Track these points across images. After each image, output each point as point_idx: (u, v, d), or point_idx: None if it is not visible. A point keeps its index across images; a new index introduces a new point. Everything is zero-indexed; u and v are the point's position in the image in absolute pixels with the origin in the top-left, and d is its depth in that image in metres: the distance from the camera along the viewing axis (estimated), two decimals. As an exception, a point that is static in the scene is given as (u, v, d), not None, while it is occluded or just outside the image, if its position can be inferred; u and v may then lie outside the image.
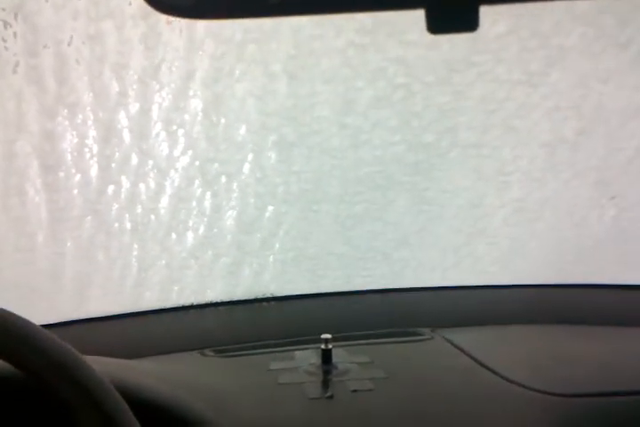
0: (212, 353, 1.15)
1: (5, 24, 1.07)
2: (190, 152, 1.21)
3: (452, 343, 1.14)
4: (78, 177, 1.20)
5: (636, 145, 1.31)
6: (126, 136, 1.19)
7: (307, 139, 1.25)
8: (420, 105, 1.25)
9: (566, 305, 1.32)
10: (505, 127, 1.29)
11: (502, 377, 0.99)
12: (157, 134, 1.20)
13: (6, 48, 1.09)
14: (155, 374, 0.94)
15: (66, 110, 1.15)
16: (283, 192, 1.28)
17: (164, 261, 1.28)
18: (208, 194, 1.26)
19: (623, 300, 1.33)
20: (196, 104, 1.19)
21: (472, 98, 1.26)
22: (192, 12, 0.62)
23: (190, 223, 1.27)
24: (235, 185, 1.25)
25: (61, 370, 0.63)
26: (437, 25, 0.56)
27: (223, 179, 1.25)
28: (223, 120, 1.21)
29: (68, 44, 1.11)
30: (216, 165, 1.23)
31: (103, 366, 0.68)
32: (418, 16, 0.55)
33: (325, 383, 0.99)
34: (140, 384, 0.84)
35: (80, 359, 0.65)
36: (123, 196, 1.22)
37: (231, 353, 1.14)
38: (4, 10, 1.06)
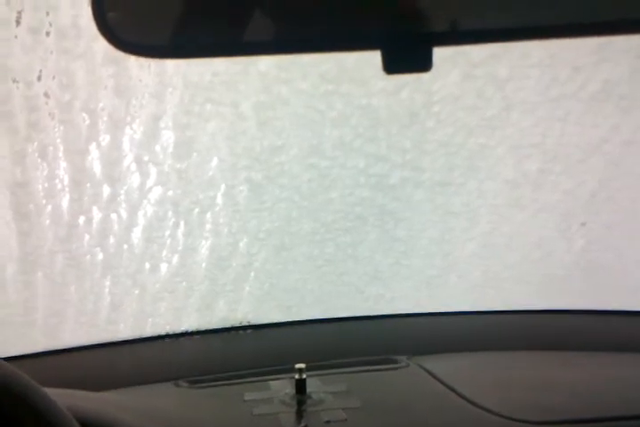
0: (185, 384, 1.14)
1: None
2: (162, 185, 1.23)
3: (427, 371, 1.15)
4: (49, 208, 1.20)
5: (598, 178, 1.36)
6: (97, 168, 1.20)
7: (276, 178, 1.28)
8: (384, 148, 1.29)
9: (540, 331, 1.33)
10: (468, 166, 1.33)
11: (475, 405, 1.00)
12: (128, 167, 1.21)
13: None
14: (122, 406, 0.93)
15: (36, 143, 1.16)
16: (255, 228, 1.30)
17: (137, 292, 1.28)
18: (181, 226, 1.27)
19: (596, 325, 1.35)
20: (167, 139, 1.20)
21: (434, 141, 1.30)
22: (160, 52, 0.65)
23: (164, 254, 1.27)
24: (207, 218, 1.27)
25: (24, 404, 0.63)
26: (392, 65, 0.59)
27: (195, 212, 1.26)
28: (195, 154, 1.23)
29: (38, 79, 1.12)
30: (188, 198, 1.25)
31: (67, 399, 0.67)
32: (378, 64, 0.59)
33: (299, 414, 0.99)
34: (103, 415, 0.83)
35: (42, 393, 0.65)
36: (94, 227, 1.22)
37: (205, 384, 1.13)
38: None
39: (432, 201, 1.37)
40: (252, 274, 1.32)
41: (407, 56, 0.60)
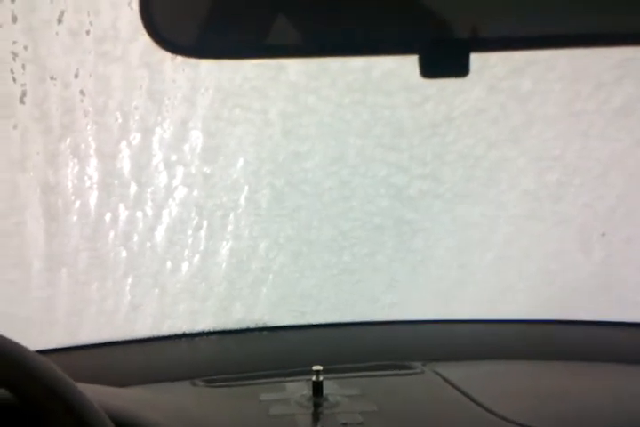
0: (202, 383, 1.14)
1: (14, 56, 1.13)
2: (188, 185, 1.24)
3: (443, 377, 1.14)
4: (77, 204, 1.22)
5: (616, 193, 1.36)
6: (126, 166, 1.22)
7: (299, 185, 1.29)
8: (405, 159, 1.30)
9: (557, 341, 1.33)
10: (488, 178, 1.34)
11: (491, 412, 0.99)
12: (156, 166, 1.23)
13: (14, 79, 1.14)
14: (145, 403, 0.93)
15: (68, 139, 1.18)
16: (275, 232, 1.31)
17: (157, 291, 1.29)
18: (204, 227, 1.28)
19: (614, 337, 1.34)
20: (195, 140, 1.22)
21: (454, 152, 1.31)
22: (195, 51, 0.66)
23: (185, 255, 1.28)
24: (230, 220, 1.28)
25: (55, 396, 0.63)
26: (430, 70, 0.61)
27: (218, 213, 1.27)
28: (221, 158, 1.24)
29: (75, 77, 1.15)
30: (211, 200, 1.26)
31: (94, 394, 0.67)
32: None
33: (316, 416, 0.98)
34: (129, 412, 0.83)
35: (73, 386, 0.65)
36: (119, 224, 1.24)
37: (222, 383, 1.13)
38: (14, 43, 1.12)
39: (450, 212, 1.37)
40: (270, 278, 1.33)
41: (445, 61, 0.61)
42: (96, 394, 0.69)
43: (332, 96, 1.21)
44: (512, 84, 1.24)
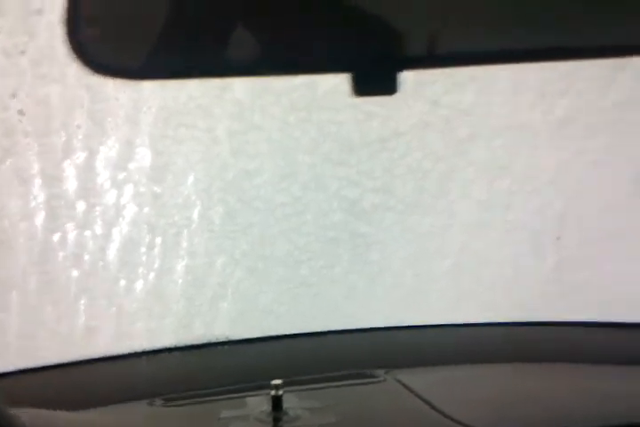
0: (160, 402, 1.10)
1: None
2: (138, 204, 1.24)
3: (404, 385, 1.13)
4: (23, 226, 1.20)
5: (566, 198, 1.39)
6: (71, 186, 1.21)
7: (251, 201, 1.30)
8: (354, 174, 1.32)
9: (515, 343, 1.32)
10: (438, 189, 1.37)
11: (451, 419, 0.98)
12: (102, 184, 1.22)
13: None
14: (98, 426, 0.93)
15: (9, 160, 1.17)
16: (230, 248, 1.31)
17: (113, 310, 1.28)
18: (157, 244, 1.27)
19: (575, 337, 1.35)
20: (142, 159, 1.22)
21: (403, 165, 1.33)
22: (136, 73, 0.66)
23: (140, 272, 1.27)
24: (183, 237, 1.28)
25: None
26: (361, 88, 0.61)
27: (171, 231, 1.27)
28: (170, 176, 1.25)
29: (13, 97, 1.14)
30: (163, 218, 1.26)
31: (37, 419, 0.66)
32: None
33: None
34: None
35: (6, 415, 0.63)
36: (69, 244, 1.23)
37: (180, 402, 1.10)
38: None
39: (403, 223, 1.39)
40: (228, 294, 1.33)
41: (376, 79, 0.62)
42: (38, 419, 0.67)
43: (277, 113, 1.22)
44: (455, 98, 1.26)
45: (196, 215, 1.27)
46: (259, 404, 1.04)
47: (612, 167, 1.35)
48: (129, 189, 1.23)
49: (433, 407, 1.04)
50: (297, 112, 1.23)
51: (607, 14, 0.64)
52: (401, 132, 1.30)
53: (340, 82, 1.17)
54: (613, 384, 1.13)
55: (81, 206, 1.22)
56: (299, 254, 1.36)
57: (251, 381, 1.14)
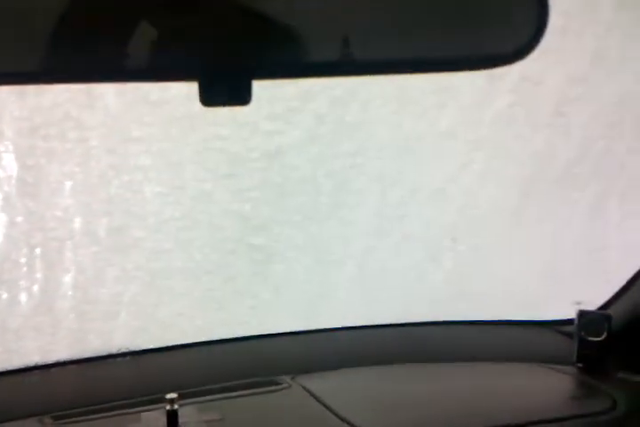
0: (50, 420, 1.04)
1: None
2: (8, 209, 1.19)
3: (308, 391, 1.12)
4: None
5: (456, 207, 1.45)
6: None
7: (138, 215, 1.26)
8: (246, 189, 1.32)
9: (421, 343, 1.33)
10: (333, 201, 1.38)
11: (348, 423, 1.00)
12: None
13: None
14: None
15: None
16: (121, 261, 1.27)
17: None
18: (37, 257, 1.23)
19: (473, 335, 1.36)
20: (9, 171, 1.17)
21: (294, 178, 1.34)
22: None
23: (22, 283, 1.22)
24: (67, 250, 1.23)
25: None
26: (209, 98, 0.58)
27: (54, 245, 1.23)
28: (43, 186, 1.20)
29: None
30: (43, 231, 1.21)
31: None
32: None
33: None
34: None
35: None
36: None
37: (72, 419, 1.04)
38: None
39: (301, 234, 1.39)
40: (124, 307, 1.29)
41: (225, 88, 0.59)
42: None
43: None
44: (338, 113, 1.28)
45: (78, 228, 1.24)
46: (154, 419, 1.00)
47: (499, 176, 1.41)
48: None
49: (332, 412, 1.04)
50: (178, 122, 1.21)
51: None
52: (285, 149, 1.31)
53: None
54: (507, 382, 1.16)
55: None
56: (197, 267, 1.35)
57: (150, 394, 1.08)
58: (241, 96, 0.60)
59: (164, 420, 0.98)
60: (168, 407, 0.98)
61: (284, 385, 1.15)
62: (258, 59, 0.60)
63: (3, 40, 0.56)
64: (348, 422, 1.01)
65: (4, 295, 1.21)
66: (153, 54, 0.58)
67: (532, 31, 0.61)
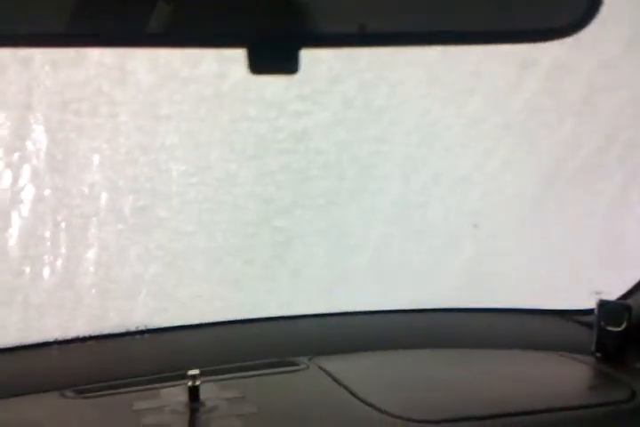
0: (72, 394, 1.05)
1: None
2: (37, 183, 1.17)
3: (327, 372, 1.12)
4: None
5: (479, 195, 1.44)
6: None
7: (163, 195, 1.25)
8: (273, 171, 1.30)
9: (439, 329, 1.33)
10: (356, 186, 1.37)
11: (371, 406, 0.99)
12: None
13: None
14: (3, 418, 0.87)
15: None
16: (144, 241, 1.27)
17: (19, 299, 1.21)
18: (62, 232, 1.22)
19: (491, 322, 1.36)
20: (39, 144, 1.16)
21: (318, 162, 1.33)
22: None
23: (46, 258, 1.21)
24: (92, 223, 1.22)
25: None
26: (258, 65, 0.57)
27: (79, 222, 1.22)
28: (72, 161, 1.19)
29: None
30: (69, 208, 1.20)
31: None
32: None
33: (191, 423, 0.94)
34: None
35: None
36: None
37: (93, 393, 1.05)
38: None
39: (323, 219, 1.38)
40: (145, 286, 1.29)
41: (273, 56, 0.58)
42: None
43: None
44: (367, 96, 1.27)
45: (104, 205, 1.22)
46: (175, 395, 1.01)
47: (523, 164, 1.39)
48: (26, 172, 1.17)
49: (352, 393, 1.04)
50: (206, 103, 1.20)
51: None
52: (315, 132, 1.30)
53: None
54: (525, 369, 1.16)
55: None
56: (218, 249, 1.34)
57: (169, 371, 1.09)
58: (289, 64, 0.59)
59: (185, 396, 0.99)
60: (190, 383, 0.99)
61: (302, 366, 1.16)
62: (307, 27, 0.59)
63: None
64: (366, 402, 1.01)
65: (28, 269, 1.20)
66: (203, 20, 0.57)
67: (587, 4, 0.59)
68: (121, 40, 0.58)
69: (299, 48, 0.58)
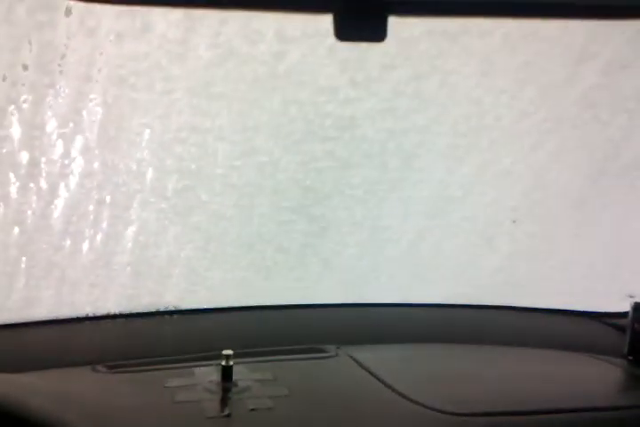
0: (104, 369, 1.06)
1: None
2: (87, 157, 1.15)
3: (356, 360, 1.12)
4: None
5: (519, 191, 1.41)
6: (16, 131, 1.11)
7: (207, 178, 1.24)
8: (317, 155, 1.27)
9: (469, 325, 1.33)
10: (396, 177, 1.34)
11: (401, 395, 0.99)
12: (51, 133, 1.12)
13: None
14: (35, 389, 0.87)
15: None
16: (182, 221, 1.25)
17: (55, 274, 1.20)
18: (106, 204, 1.20)
19: (523, 321, 1.36)
20: (94, 114, 1.13)
21: (362, 149, 1.29)
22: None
23: (86, 233, 1.20)
24: (135, 200, 1.21)
25: None
26: (345, 32, 0.56)
27: (122, 191, 1.20)
28: (123, 136, 1.17)
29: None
30: (112, 185, 1.18)
31: None
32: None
33: (224, 402, 0.95)
34: (12, 398, 0.78)
35: None
36: (12, 200, 1.14)
37: (126, 369, 1.06)
38: None
39: (360, 209, 1.35)
40: (178, 268, 1.27)
41: (360, 22, 0.56)
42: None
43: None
44: (418, 85, 1.23)
45: (148, 183, 1.20)
46: (207, 374, 1.02)
47: (570, 160, 1.37)
48: (78, 144, 1.15)
49: (383, 383, 1.04)
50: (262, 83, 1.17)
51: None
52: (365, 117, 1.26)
53: (308, 52, 1.15)
54: (556, 369, 1.15)
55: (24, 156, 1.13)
56: (252, 235, 1.32)
57: (199, 351, 1.10)
58: (376, 32, 0.58)
59: (217, 375, 1.00)
60: (224, 363, 0.99)
61: (331, 353, 1.16)
62: None
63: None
64: (398, 392, 1.00)
65: (68, 244, 1.19)
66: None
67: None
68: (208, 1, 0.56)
69: (386, 16, 0.57)
